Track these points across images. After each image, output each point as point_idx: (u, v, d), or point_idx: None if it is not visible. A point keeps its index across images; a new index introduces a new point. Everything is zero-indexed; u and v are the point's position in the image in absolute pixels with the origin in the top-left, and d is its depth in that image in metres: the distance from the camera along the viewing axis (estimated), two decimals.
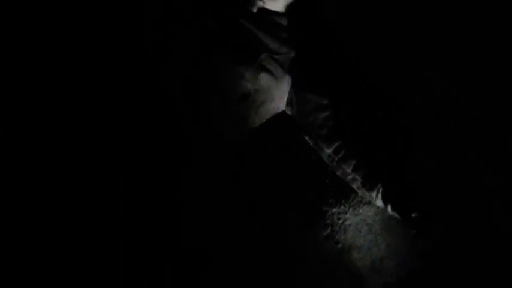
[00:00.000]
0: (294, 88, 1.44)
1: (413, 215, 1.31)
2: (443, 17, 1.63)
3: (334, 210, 1.51)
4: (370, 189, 1.38)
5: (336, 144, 1.41)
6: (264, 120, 1.45)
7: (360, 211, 1.50)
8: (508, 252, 1.44)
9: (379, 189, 1.37)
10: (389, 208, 1.35)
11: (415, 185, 1.56)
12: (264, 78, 1.37)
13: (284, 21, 1.44)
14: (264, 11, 1.40)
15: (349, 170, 1.40)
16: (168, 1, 1.49)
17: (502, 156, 1.54)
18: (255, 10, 1.39)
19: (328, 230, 1.49)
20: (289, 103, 1.46)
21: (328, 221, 1.50)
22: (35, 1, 1.51)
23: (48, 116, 1.45)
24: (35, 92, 1.46)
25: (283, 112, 1.48)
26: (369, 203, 1.48)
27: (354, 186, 1.42)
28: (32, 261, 1.31)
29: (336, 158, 1.41)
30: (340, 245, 1.48)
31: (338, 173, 1.44)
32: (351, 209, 1.51)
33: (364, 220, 1.50)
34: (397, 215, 1.34)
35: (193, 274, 1.33)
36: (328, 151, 1.42)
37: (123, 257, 1.31)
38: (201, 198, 1.36)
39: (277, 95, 1.42)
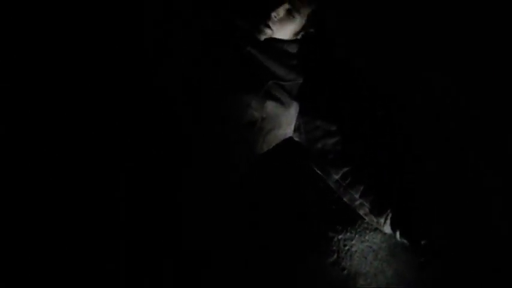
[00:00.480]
0: (302, 114, 1.44)
1: (422, 242, 1.31)
2: (443, 17, 1.63)
3: (340, 236, 1.52)
4: (378, 215, 1.38)
5: (344, 170, 1.42)
6: (271, 147, 1.45)
7: (366, 238, 1.50)
8: (508, 252, 1.44)
9: (387, 215, 1.37)
10: (397, 234, 1.35)
11: (415, 184, 1.56)
12: (271, 105, 1.37)
13: (292, 49, 1.44)
14: (272, 39, 1.40)
15: (357, 196, 1.40)
16: (168, 1, 1.49)
17: (502, 156, 1.54)
18: (262, 38, 1.39)
19: (334, 256, 1.50)
20: (297, 129, 1.46)
21: (334, 248, 1.51)
22: (35, 1, 1.51)
23: (48, 116, 1.45)
24: (35, 92, 1.46)
25: (291, 138, 1.48)
26: (375, 229, 1.48)
27: (361, 212, 1.42)
28: (32, 261, 1.31)
29: (344, 184, 1.42)
30: (346, 272, 1.48)
31: (345, 199, 1.44)
32: (357, 236, 1.51)
33: (370, 247, 1.50)
34: (405, 242, 1.34)
35: (193, 274, 1.33)
36: (336, 177, 1.43)
37: (123, 257, 1.31)
38: (201, 198, 1.36)
39: (284, 122, 1.43)
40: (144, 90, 1.44)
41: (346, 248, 1.50)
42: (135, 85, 1.46)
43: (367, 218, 1.43)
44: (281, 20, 1.37)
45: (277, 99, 1.38)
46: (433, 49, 1.63)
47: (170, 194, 1.34)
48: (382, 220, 1.37)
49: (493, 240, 1.46)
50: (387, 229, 1.38)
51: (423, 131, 1.62)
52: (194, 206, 1.36)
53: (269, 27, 1.37)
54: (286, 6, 1.35)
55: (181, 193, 1.35)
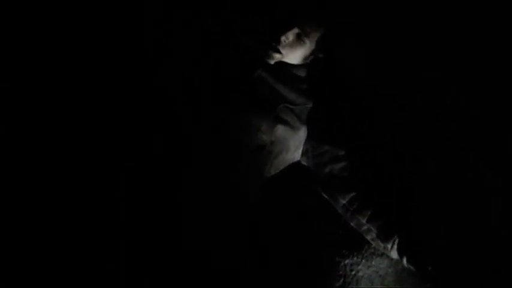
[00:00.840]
0: (310, 139, 1.45)
1: (429, 268, 1.32)
2: (443, 17, 1.63)
3: (347, 261, 1.51)
4: (385, 240, 1.38)
5: (351, 195, 1.42)
6: (278, 170, 1.45)
7: (373, 263, 1.50)
8: (508, 252, 1.44)
9: (394, 240, 1.37)
10: (404, 260, 1.36)
11: (415, 186, 1.56)
12: (281, 129, 1.38)
13: (301, 73, 1.45)
14: (282, 63, 1.41)
15: (364, 221, 1.41)
16: (168, 1, 1.49)
17: (502, 156, 1.54)
18: (272, 62, 1.40)
19: (341, 281, 1.49)
20: (304, 153, 1.46)
21: (340, 272, 1.50)
22: (35, 1, 1.51)
23: (48, 116, 1.45)
24: (35, 92, 1.47)
25: (298, 162, 1.48)
26: (382, 254, 1.48)
27: (368, 237, 1.43)
28: (32, 261, 1.31)
29: (351, 209, 1.42)
30: None
31: (352, 224, 1.44)
32: (363, 261, 1.51)
33: (376, 272, 1.49)
34: (412, 268, 1.35)
35: (193, 274, 1.33)
36: (343, 201, 1.43)
37: (123, 257, 1.31)
38: (201, 198, 1.36)
39: (293, 146, 1.43)
40: (144, 90, 1.45)
41: (353, 272, 1.50)
42: (135, 85, 1.46)
43: (374, 243, 1.43)
44: (291, 44, 1.37)
45: (286, 123, 1.39)
46: (433, 49, 1.63)
47: (170, 194, 1.34)
48: (389, 245, 1.38)
49: (493, 240, 1.46)
50: (394, 254, 1.38)
51: (423, 131, 1.62)
52: (194, 206, 1.36)
53: (279, 51, 1.37)
54: (296, 30, 1.35)
55: (181, 193, 1.35)
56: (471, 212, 1.51)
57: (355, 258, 1.52)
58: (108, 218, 1.34)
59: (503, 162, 1.53)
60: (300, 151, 1.45)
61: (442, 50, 1.63)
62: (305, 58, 1.43)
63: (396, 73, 1.64)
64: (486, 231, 1.48)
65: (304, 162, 1.48)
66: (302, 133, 1.43)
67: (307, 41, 1.38)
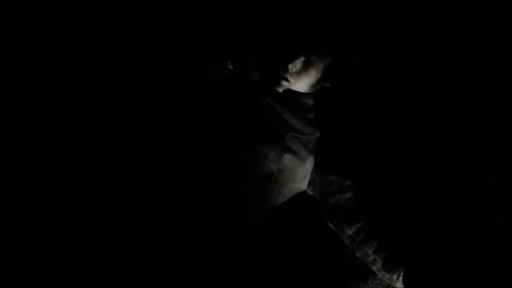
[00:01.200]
0: (317, 169, 1.44)
1: None
2: (443, 17, 1.63)
3: None
4: (390, 271, 1.39)
5: (358, 225, 1.42)
6: (285, 199, 1.45)
7: None
8: (509, 252, 1.44)
9: (400, 272, 1.37)
10: None
11: (415, 185, 1.56)
12: (288, 158, 1.38)
13: (309, 102, 1.45)
14: (290, 92, 1.41)
15: (370, 252, 1.41)
16: (168, 1, 1.49)
17: (502, 156, 1.54)
18: (281, 90, 1.41)
19: None
20: (311, 183, 1.46)
21: None
22: (35, 1, 1.51)
23: (48, 116, 1.45)
24: (35, 92, 1.46)
25: (305, 192, 1.48)
26: (388, 285, 1.48)
27: (374, 268, 1.42)
28: (32, 261, 1.31)
29: (357, 240, 1.42)
30: None
31: (358, 255, 1.44)
32: None
33: None
34: None
35: (193, 274, 1.33)
36: (350, 232, 1.43)
37: (123, 257, 1.31)
38: (201, 198, 1.36)
39: (300, 175, 1.43)
40: (144, 90, 1.45)
41: None
42: (135, 85, 1.46)
43: (379, 274, 1.43)
44: (298, 73, 1.39)
45: (294, 152, 1.39)
46: (433, 49, 1.63)
47: (170, 194, 1.34)
48: (394, 277, 1.38)
49: (493, 240, 1.46)
50: (399, 285, 1.38)
51: (423, 131, 1.62)
52: (194, 206, 1.36)
53: (286, 79, 1.39)
54: (302, 58, 1.37)
55: (181, 193, 1.35)
56: (471, 212, 1.51)
57: None
58: (108, 218, 1.34)
59: (503, 162, 1.53)
60: (306, 181, 1.46)
61: (442, 50, 1.63)
62: (312, 86, 1.44)
63: (396, 73, 1.64)
64: (486, 231, 1.48)
65: (310, 192, 1.48)
66: (309, 163, 1.43)
67: (314, 70, 1.39)
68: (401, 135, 1.63)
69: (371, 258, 1.41)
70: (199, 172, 1.36)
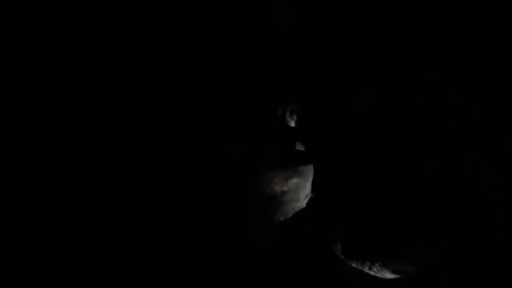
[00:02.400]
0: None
1: None
2: (444, 18, 1.63)
3: None
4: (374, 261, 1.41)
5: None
6: (287, 217, 1.47)
7: None
8: (509, 252, 1.44)
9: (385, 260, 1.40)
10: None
11: (415, 184, 1.56)
12: (294, 181, 1.41)
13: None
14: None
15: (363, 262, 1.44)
16: (168, 1, 1.48)
17: (502, 156, 1.54)
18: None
19: None
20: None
21: None
22: (35, 1, 1.51)
23: (48, 116, 1.45)
24: (35, 92, 1.46)
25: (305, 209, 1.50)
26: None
27: (366, 269, 1.45)
28: (32, 261, 1.31)
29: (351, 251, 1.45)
30: None
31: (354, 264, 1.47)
32: None
33: None
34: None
35: (193, 274, 1.33)
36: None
37: (123, 257, 1.31)
38: (201, 198, 1.36)
39: (303, 195, 1.46)
40: (144, 90, 1.44)
41: None
42: (136, 85, 1.46)
43: (372, 272, 1.45)
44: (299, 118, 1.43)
45: (300, 174, 1.42)
46: (433, 49, 1.63)
47: (170, 194, 1.34)
48: (377, 264, 1.41)
49: (493, 240, 1.46)
50: (388, 274, 1.41)
51: (423, 131, 1.61)
52: (194, 205, 1.36)
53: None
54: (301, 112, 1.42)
55: (181, 193, 1.35)
56: (471, 212, 1.50)
57: None
58: (108, 218, 1.34)
59: (503, 162, 1.53)
60: (307, 199, 1.48)
61: (442, 50, 1.63)
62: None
63: (396, 73, 1.64)
64: (486, 231, 1.48)
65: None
66: (310, 182, 1.46)
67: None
68: (401, 135, 1.63)
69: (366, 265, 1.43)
70: (200, 182, 1.37)
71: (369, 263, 1.42)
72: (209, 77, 1.38)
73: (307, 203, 1.48)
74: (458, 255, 1.46)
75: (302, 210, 1.48)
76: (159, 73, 1.46)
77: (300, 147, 1.44)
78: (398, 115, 1.64)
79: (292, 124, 1.46)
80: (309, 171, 1.44)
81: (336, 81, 1.62)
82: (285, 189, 1.40)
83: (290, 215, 1.47)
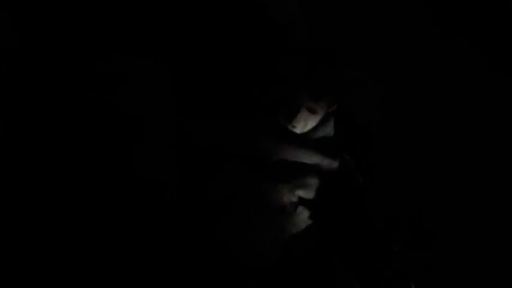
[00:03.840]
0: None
1: None
2: (443, 17, 1.63)
3: None
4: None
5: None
6: (300, 229, 1.46)
7: None
8: (509, 252, 1.44)
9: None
10: None
11: (416, 188, 1.57)
12: (300, 193, 1.41)
13: (324, 132, 1.47)
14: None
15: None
16: (168, 1, 1.49)
17: (501, 156, 1.54)
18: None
19: None
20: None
21: None
22: (34, 1, 1.51)
23: (48, 116, 1.45)
24: (34, 92, 1.47)
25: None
26: None
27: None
28: (32, 261, 1.31)
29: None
30: None
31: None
32: None
33: None
34: None
35: (194, 274, 1.33)
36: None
37: (123, 257, 1.31)
38: (207, 210, 1.36)
39: (311, 207, 1.45)
40: (144, 89, 1.45)
41: None
42: (135, 85, 1.46)
43: None
44: (304, 120, 1.40)
45: (309, 186, 1.42)
46: (433, 49, 1.64)
47: (170, 194, 1.34)
48: None
49: (493, 240, 1.46)
50: None
51: (423, 131, 1.62)
52: (195, 206, 1.36)
53: (294, 127, 1.41)
54: (305, 112, 1.38)
55: (187, 204, 1.36)
56: (471, 212, 1.51)
57: None
58: (108, 218, 1.34)
59: (503, 162, 1.53)
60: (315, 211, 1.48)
61: (442, 50, 1.63)
62: (322, 119, 1.45)
63: (396, 73, 1.65)
64: (486, 231, 1.48)
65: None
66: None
67: (319, 112, 1.41)
68: (402, 137, 1.63)
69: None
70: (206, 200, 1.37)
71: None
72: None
73: (315, 215, 1.48)
74: (458, 256, 1.46)
75: (313, 222, 1.48)
76: (158, 74, 1.46)
77: (307, 158, 1.44)
78: (398, 115, 1.65)
79: (299, 132, 1.45)
80: (316, 184, 1.44)
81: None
82: (294, 200, 1.40)
83: (303, 226, 1.46)
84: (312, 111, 1.39)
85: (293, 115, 1.38)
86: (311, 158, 1.43)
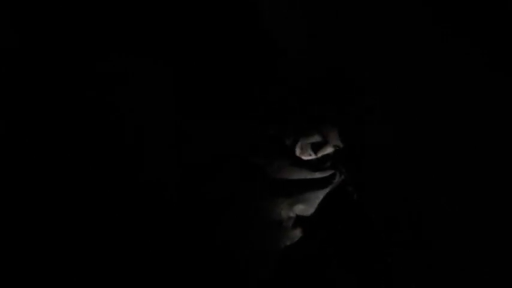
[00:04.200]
0: None
1: None
2: (444, 17, 1.63)
3: None
4: None
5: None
6: (293, 242, 1.47)
7: None
8: (509, 252, 1.44)
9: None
10: None
11: (416, 188, 1.56)
12: (300, 208, 1.43)
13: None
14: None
15: None
16: (168, 1, 1.49)
17: (502, 156, 1.54)
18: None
19: None
20: None
21: None
22: (34, 1, 1.51)
23: (48, 116, 1.45)
24: (35, 92, 1.46)
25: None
26: None
27: None
28: (32, 261, 1.31)
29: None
30: None
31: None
32: None
33: None
34: None
35: (194, 274, 1.33)
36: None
37: (123, 257, 1.31)
38: (203, 199, 1.36)
39: (309, 221, 1.47)
40: (144, 90, 1.45)
41: None
42: (135, 84, 1.46)
43: None
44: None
45: (307, 201, 1.44)
46: (433, 49, 1.64)
47: (170, 194, 1.34)
48: None
49: (493, 240, 1.46)
50: None
51: (423, 131, 1.62)
52: (195, 205, 1.36)
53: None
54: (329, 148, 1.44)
55: (182, 194, 1.35)
56: (471, 212, 1.51)
57: None
58: (108, 218, 1.34)
59: (503, 162, 1.53)
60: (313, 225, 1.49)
61: (442, 50, 1.63)
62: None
63: (396, 73, 1.65)
64: (486, 231, 1.48)
65: None
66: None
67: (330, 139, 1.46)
68: (402, 136, 1.63)
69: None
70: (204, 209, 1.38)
71: None
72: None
73: (313, 229, 1.49)
74: (458, 255, 1.46)
75: (309, 236, 1.49)
76: (159, 75, 1.46)
77: (305, 174, 1.45)
78: (399, 115, 1.65)
79: (298, 153, 1.46)
80: (315, 199, 1.45)
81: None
82: (291, 215, 1.42)
83: (296, 239, 1.47)
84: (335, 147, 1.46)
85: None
86: (310, 173, 1.46)
